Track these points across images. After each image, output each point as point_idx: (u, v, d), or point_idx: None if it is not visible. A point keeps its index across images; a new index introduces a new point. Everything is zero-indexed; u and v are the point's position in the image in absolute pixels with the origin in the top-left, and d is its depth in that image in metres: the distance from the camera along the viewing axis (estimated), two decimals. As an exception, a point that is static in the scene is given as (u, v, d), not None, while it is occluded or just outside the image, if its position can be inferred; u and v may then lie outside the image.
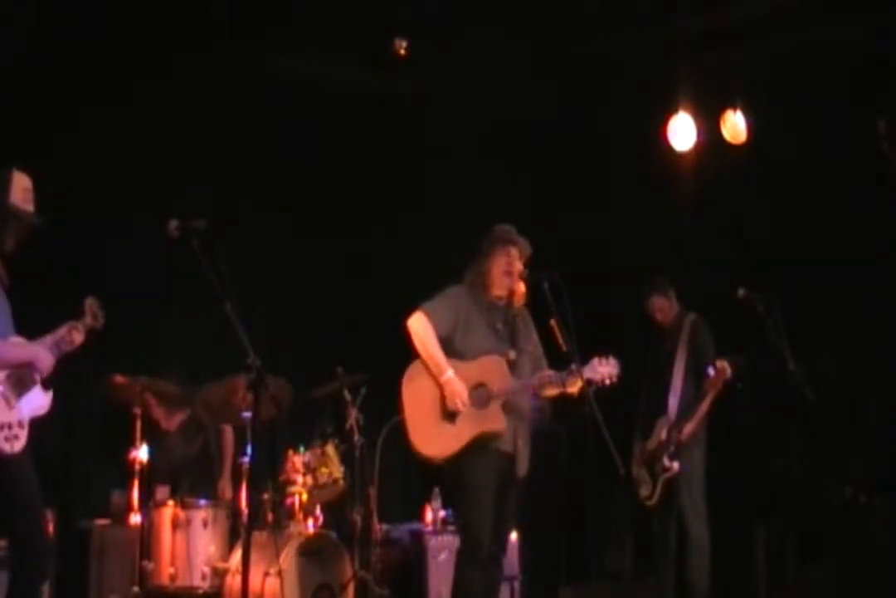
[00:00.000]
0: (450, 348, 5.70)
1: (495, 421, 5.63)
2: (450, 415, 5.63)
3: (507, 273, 5.76)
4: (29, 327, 6.97)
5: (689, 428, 6.97)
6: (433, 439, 5.63)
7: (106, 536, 6.78)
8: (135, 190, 7.48)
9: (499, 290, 5.80)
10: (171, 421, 7.15)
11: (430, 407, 5.64)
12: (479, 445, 5.61)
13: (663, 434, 7.03)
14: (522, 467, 5.72)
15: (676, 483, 6.98)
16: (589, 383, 5.48)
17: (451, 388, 5.60)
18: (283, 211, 8.10)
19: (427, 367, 5.66)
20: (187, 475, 7.06)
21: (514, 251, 5.76)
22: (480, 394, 5.65)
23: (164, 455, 7.02)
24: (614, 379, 5.55)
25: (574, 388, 5.57)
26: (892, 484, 7.17)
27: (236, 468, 6.88)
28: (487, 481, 5.59)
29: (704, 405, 6.98)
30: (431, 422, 5.63)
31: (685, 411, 7.01)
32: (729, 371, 6.78)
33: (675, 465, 6.95)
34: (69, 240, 7.20)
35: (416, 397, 5.68)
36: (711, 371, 6.81)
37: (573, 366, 5.49)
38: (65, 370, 7.32)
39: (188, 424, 7.19)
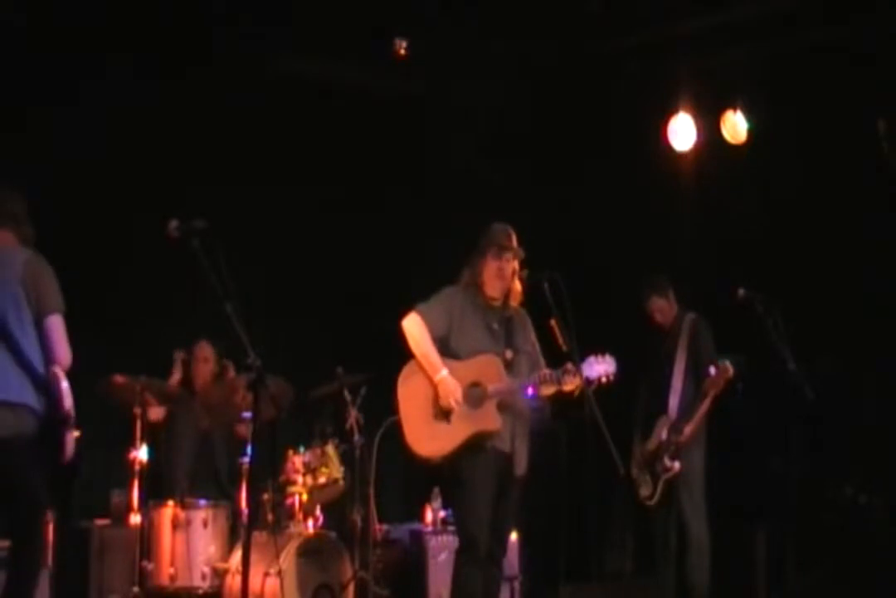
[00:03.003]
0: (445, 348, 5.70)
1: (490, 421, 5.62)
2: (445, 414, 5.63)
3: (500, 278, 5.76)
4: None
5: (688, 429, 6.97)
6: (428, 439, 5.63)
7: (106, 536, 6.78)
8: (135, 190, 7.48)
9: (491, 291, 5.80)
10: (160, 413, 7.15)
11: (425, 407, 5.64)
12: (476, 444, 5.60)
13: (663, 434, 7.03)
14: (521, 467, 5.72)
15: (676, 483, 6.99)
16: (586, 381, 5.48)
17: (445, 386, 5.60)
18: (283, 210, 8.10)
19: (421, 366, 5.67)
20: (187, 475, 7.05)
21: (507, 255, 5.75)
22: (475, 393, 5.64)
23: (166, 455, 7.05)
24: (611, 377, 5.54)
25: (571, 386, 5.56)
26: (893, 484, 7.17)
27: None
28: (485, 480, 5.59)
29: (705, 405, 6.98)
30: (426, 422, 5.63)
31: (685, 412, 7.02)
32: (731, 371, 6.77)
33: (676, 465, 6.95)
34: (69, 240, 7.21)
35: (411, 396, 5.68)
36: (713, 370, 6.81)
37: (569, 364, 5.49)
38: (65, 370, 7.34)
39: (187, 423, 7.19)
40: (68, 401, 4.93)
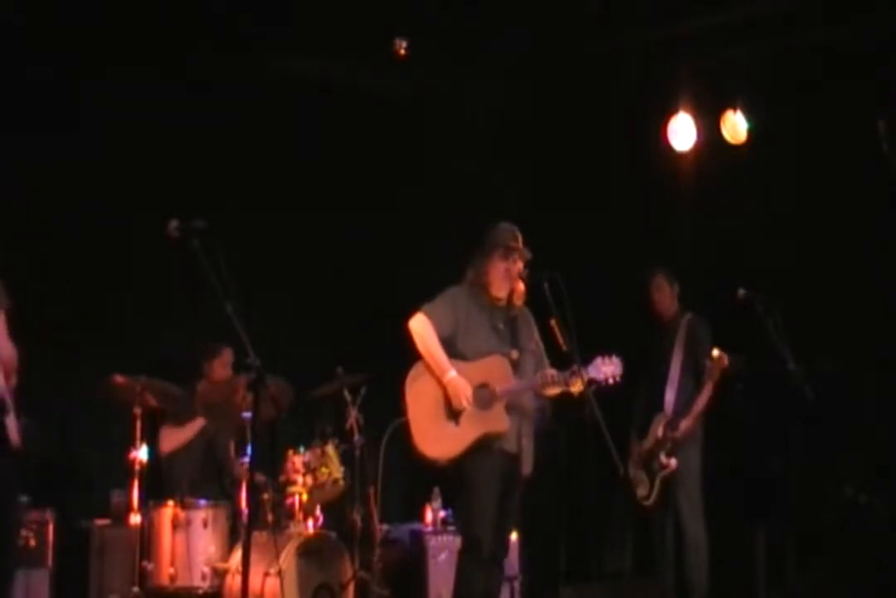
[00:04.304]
0: (452, 349, 5.68)
1: (499, 422, 5.62)
2: (453, 416, 5.62)
3: (506, 279, 5.76)
4: (30, 328, 6.99)
5: (684, 425, 7.00)
6: (437, 441, 5.62)
7: (106, 536, 6.78)
8: (135, 190, 7.48)
9: (497, 292, 5.79)
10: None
11: (434, 408, 5.63)
12: (483, 445, 5.60)
13: (659, 431, 7.06)
14: (527, 467, 5.72)
15: (673, 482, 7.00)
16: (592, 382, 5.48)
17: (454, 386, 5.59)
18: (284, 211, 8.10)
19: (429, 368, 5.66)
20: (187, 476, 7.06)
21: (514, 256, 5.74)
22: (484, 394, 5.63)
23: (168, 459, 7.06)
24: (618, 378, 5.54)
25: (577, 387, 5.55)
26: (893, 484, 7.18)
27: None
28: (491, 481, 5.58)
29: (702, 399, 7.01)
30: (435, 423, 5.62)
31: (682, 408, 7.04)
32: (726, 360, 6.81)
33: (673, 462, 6.97)
34: (69, 240, 7.22)
35: (419, 398, 5.67)
36: (707, 362, 6.85)
37: (576, 365, 5.48)
38: (65, 370, 7.37)
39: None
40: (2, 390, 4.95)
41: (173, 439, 7.11)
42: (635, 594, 7.46)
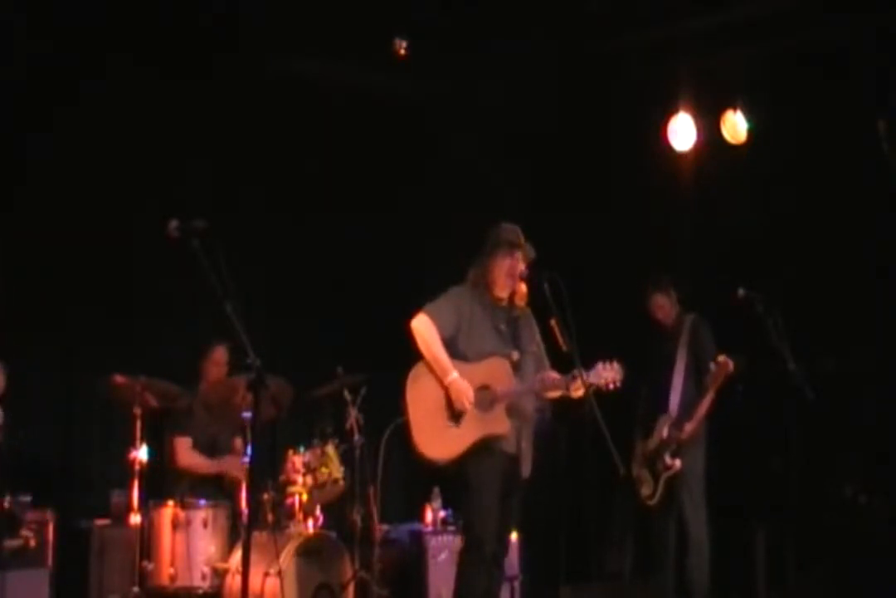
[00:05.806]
0: (453, 349, 5.68)
1: (499, 424, 5.62)
2: (454, 417, 5.62)
3: (510, 276, 5.75)
4: (31, 328, 7.01)
5: (689, 427, 7.00)
6: (437, 442, 5.62)
7: (106, 536, 6.78)
8: (135, 190, 7.48)
9: (500, 291, 5.79)
10: None
11: (435, 409, 5.62)
12: (484, 447, 5.60)
13: (665, 432, 7.06)
14: (526, 468, 5.72)
15: (677, 483, 7.00)
16: (593, 387, 5.47)
17: (456, 387, 5.58)
18: (284, 211, 8.11)
19: (431, 368, 5.65)
20: (188, 475, 7.05)
21: (517, 255, 5.74)
22: (485, 396, 5.63)
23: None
24: (618, 384, 5.54)
25: (578, 392, 5.56)
26: (893, 484, 7.17)
27: None
28: (492, 482, 5.59)
29: (706, 402, 7.00)
30: (435, 424, 5.62)
31: (687, 409, 7.03)
32: (731, 365, 6.79)
33: (677, 463, 6.98)
34: (69, 240, 7.22)
35: (419, 398, 5.66)
36: (713, 366, 6.83)
37: (577, 370, 5.47)
38: (65, 370, 7.37)
39: (195, 427, 7.19)
40: None
41: (193, 457, 7.07)
42: (635, 594, 7.45)
